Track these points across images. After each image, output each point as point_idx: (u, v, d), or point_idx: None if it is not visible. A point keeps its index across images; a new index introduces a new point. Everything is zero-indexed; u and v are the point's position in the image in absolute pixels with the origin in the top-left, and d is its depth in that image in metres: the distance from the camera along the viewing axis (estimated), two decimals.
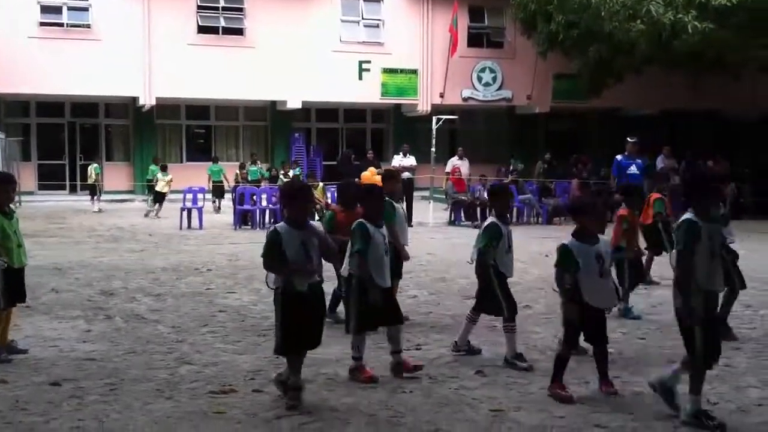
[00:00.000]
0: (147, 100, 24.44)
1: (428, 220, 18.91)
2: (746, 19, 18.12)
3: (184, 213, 17.88)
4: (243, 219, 18.18)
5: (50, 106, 25.59)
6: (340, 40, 25.45)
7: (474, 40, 26.93)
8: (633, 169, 14.42)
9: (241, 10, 24.81)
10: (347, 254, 6.11)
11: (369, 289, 5.96)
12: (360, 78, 25.63)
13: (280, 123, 26.57)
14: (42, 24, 23.75)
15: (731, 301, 7.41)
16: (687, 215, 5.11)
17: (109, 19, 23.95)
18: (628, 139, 15.01)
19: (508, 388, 5.87)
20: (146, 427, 4.96)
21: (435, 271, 11.32)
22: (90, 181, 22.03)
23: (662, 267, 10.46)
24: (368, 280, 5.97)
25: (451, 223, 19.31)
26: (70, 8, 24.13)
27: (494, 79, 26.90)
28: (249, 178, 21.49)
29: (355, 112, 27.67)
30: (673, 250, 5.15)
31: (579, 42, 21.63)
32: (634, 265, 8.48)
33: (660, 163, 21.70)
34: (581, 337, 5.83)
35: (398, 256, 7.24)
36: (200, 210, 18.25)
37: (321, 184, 18.44)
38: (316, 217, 17.89)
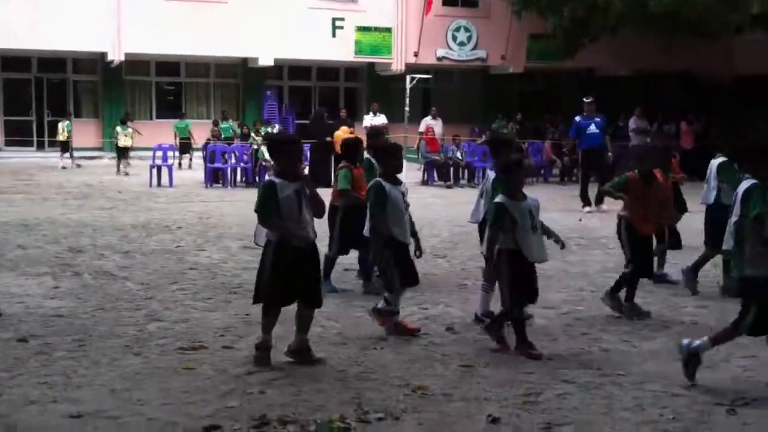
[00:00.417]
0: (116, 56, 23.97)
1: (404, 179, 18.81)
2: None
3: (154, 170, 17.67)
4: (214, 177, 18.02)
5: (17, 61, 25.01)
6: None
7: None
8: (592, 128, 14.48)
9: None
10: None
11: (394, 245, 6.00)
12: (333, 36, 25.32)
13: (251, 80, 26.23)
14: None
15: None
16: (750, 182, 5.04)
17: None
18: (584, 99, 15.00)
19: (477, 344, 5.91)
20: (114, 383, 4.92)
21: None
22: (62, 138, 21.69)
23: None
24: (390, 238, 6.02)
25: (424, 183, 19.29)
26: None
27: (469, 38, 26.71)
28: (222, 136, 21.25)
29: (328, 71, 27.38)
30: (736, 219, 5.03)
31: (554, 1, 21.50)
32: (672, 232, 8.57)
33: (632, 124, 21.78)
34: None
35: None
36: (170, 167, 18.05)
37: None
38: None
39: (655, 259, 7.84)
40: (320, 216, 5.55)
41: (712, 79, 26.96)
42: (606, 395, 4.84)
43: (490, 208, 5.97)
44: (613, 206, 8.86)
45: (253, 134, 19.45)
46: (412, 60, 25.66)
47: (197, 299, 7.19)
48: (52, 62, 25.29)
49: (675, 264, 8.50)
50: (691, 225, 8.95)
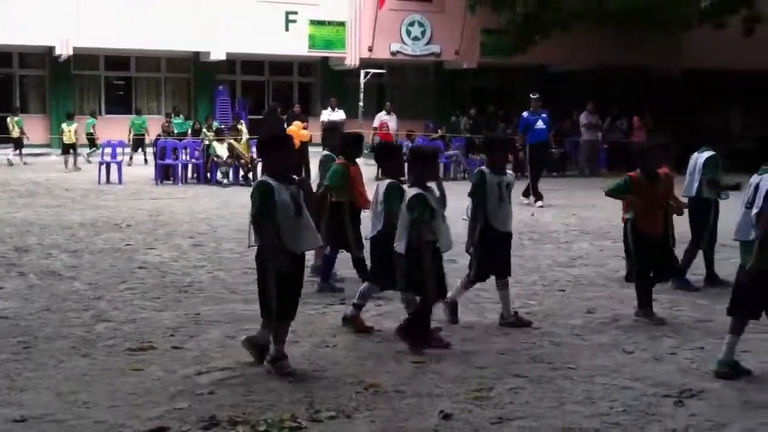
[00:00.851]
0: (64, 50, 23.49)
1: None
2: None
3: (103, 167, 17.36)
4: (164, 174, 17.76)
5: None
6: None
7: None
8: (539, 124, 14.80)
9: None
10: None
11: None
12: (287, 30, 25.14)
13: (203, 75, 25.93)
14: None
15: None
16: None
17: None
18: (531, 95, 15.31)
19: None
20: (60, 386, 4.81)
21: (362, 227, 11.26)
22: (14, 135, 21.23)
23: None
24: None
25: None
26: None
27: (423, 33, 26.74)
28: (175, 131, 20.96)
29: (281, 65, 27.19)
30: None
31: None
32: None
33: (584, 119, 22.06)
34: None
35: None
36: (119, 164, 17.74)
37: (245, 138, 18.10)
38: (241, 173, 17.62)
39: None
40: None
41: (663, 73, 27.43)
42: (557, 389, 4.87)
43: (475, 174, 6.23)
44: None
45: (204, 130, 19.22)
46: (366, 55, 25.61)
47: (146, 299, 7.07)
48: None
49: None
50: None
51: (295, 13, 25.07)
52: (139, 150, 22.30)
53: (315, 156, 16.33)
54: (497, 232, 6.20)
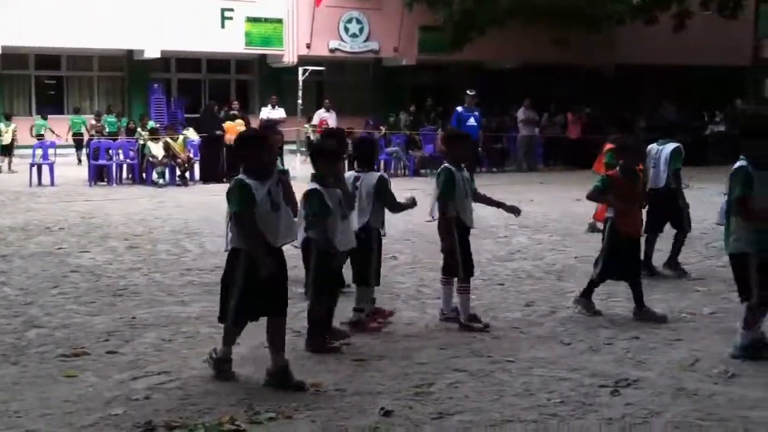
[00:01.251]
0: None
1: (296, 174, 18.70)
2: None
3: (34, 169, 16.90)
4: (98, 175, 17.37)
5: None
6: None
7: None
8: (471, 121, 15.07)
9: None
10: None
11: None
12: (223, 27, 24.82)
13: (137, 73, 25.42)
14: None
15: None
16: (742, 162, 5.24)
17: None
18: (468, 92, 15.53)
19: (372, 338, 5.90)
20: None
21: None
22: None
23: None
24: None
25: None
26: None
27: (361, 30, 26.71)
28: (107, 130, 20.50)
29: (218, 63, 26.84)
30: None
31: None
32: None
33: (521, 114, 22.31)
34: None
35: None
36: (51, 165, 17.26)
37: (181, 137, 17.82)
38: (177, 173, 17.33)
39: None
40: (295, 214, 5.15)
41: (596, 69, 27.94)
42: (496, 382, 4.91)
43: (443, 176, 6.11)
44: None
45: (139, 129, 18.85)
46: (304, 52, 25.46)
47: (80, 303, 6.89)
48: None
49: None
50: None
51: (231, 10, 24.77)
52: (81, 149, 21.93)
53: None
54: (466, 227, 6.20)
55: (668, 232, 8.25)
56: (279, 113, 20.92)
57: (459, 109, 15.42)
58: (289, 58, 25.49)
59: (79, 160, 21.61)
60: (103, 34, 23.04)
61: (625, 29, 24.43)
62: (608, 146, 9.64)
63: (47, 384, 4.87)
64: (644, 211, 6.96)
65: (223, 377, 4.94)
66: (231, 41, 24.91)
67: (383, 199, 6.04)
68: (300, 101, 20.78)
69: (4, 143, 19.70)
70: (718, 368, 5.10)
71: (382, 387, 4.82)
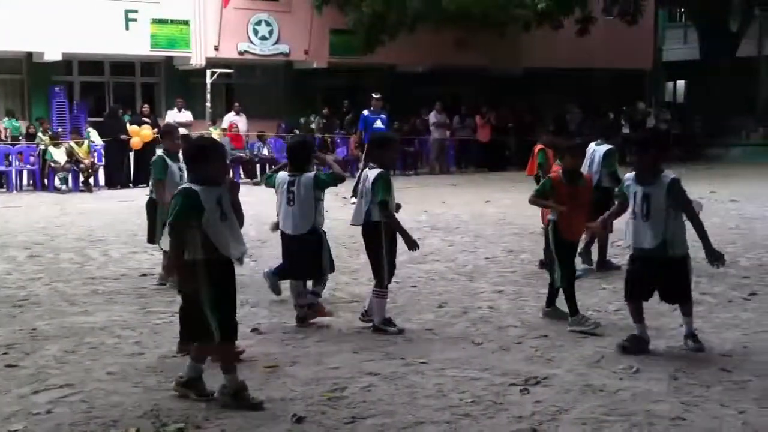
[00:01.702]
0: None
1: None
2: None
3: None
4: None
5: None
6: None
7: None
8: (378, 124, 15.21)
9: None
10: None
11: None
12: (127, 28, 24.13)
13: (37, 76, 24.45)
14: None
15: None
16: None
17: None
18: (373, 95, 15.69)
19: (284, 344, 5.83)
20: None
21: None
22: None
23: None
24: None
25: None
26: None
27: (271, 32, 26.45)
28: (8, 134, 19.66)
29: (122, 65, 26.09)
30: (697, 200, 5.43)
31: None
32: None
33: (432, 118, 22.56)
34: None
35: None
36: None
37: (86, 142, 17.29)
38: (81, 178, 16.80)
39: None
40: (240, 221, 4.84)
41: (504, 73, 28.50)
42: (409, 384, 4.91)
43: (379, 180, 5.96)
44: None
45: (40, 134, 18.17)
46: (212, 54, 25.03)
47: None
48: None
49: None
50: None
51: (135, 11, 24.12)
52: None
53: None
54: (394, 232, 6.14)
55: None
56: (186, 116, 20.54)
57: (365, 112, 15.53)
58: (197, 60, 25.02)
59: None
60: (1, 36, 22.11)
61: (532, 34, 25.00)
62: (539, 147, 9.81)
63: None
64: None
65: (255, 405, 4.54)
66: (136, 43, 24.25)
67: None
68: (208, 104, 20.48)
69: None
70: (623, 364, 5.24)
71: (295, 393, 4.77)
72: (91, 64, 25.45)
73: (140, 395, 4.74)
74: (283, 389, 4.84)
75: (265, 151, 19.54)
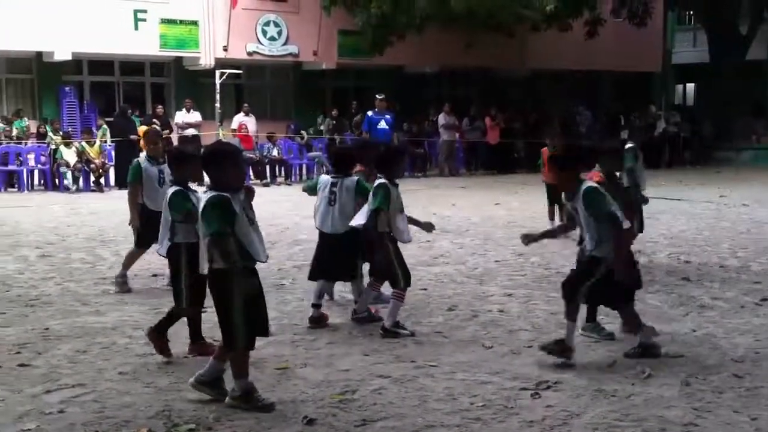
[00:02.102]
0: None
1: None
2: None
3: None
4: (8, 181, 16.74)
5: None
6: None
7: None
8: (382, 124, 15.17)
9: None
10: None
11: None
12: (136, 28, 24.21)
13: (47, 76, 24.56)
14: None
15: None
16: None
17: None
18: (377, 96, 15.64)
19: (294, 345, 5.84)
20: None
21: None
22: None
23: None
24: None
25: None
26: None
27: (279, 33, 26.49)
28: (14, 134, 19.77)
29: (132, 65, 26.17)
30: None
31: None
32: None
33: (441, 119, 22.54)
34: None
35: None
36: None
37: (98, 141, 17.35)
38: (92, 178, 16.86)
39: None
40: None
41: (510, 74, 28.48)
42: (419, 387, 4.92)
43: (380, 190, 6.00)
44: None
45: (51, 133, 18.25)
46: (221, 55, 25.09)
47: None
48: None
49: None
50: None
51: (145, 11, 24.19)
52: None
53: None
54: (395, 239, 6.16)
55: None
56: (195, 117, 20.58)
57: (369, 113, 15.52)
58: (206, 60, 25.09)
59: None
60: (10, 36, 22.20)
61: (539, 35, 24.98)
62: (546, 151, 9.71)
63: None
64: None
65: (265, 406, 4.56)
66: (145, 43, 24.34)
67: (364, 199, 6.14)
68: (218, 105, 20.51)
69: None
70: (634, 369, 5.23)
71: (306, 395, 4.78)
72: (101, 64, 25.53)
73: (152, 395, 4.75)
74: (293, 391, 4.85)
75: (275, 152, 19.56)
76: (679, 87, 37.39)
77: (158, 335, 5.47)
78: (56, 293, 7.44)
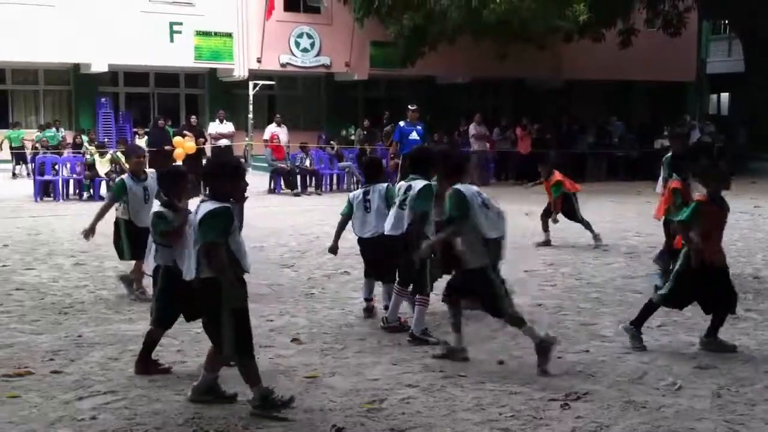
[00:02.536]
0: None
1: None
2: None
3: None
4: (44, 190, 17.02)
5: None
6: (148, 0, 24.24)
7: (290, 5, 26.56)
8: (414, 135, 15.14)
9: None
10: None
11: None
12: (171, 40, 24.56)
13: (84, 87, 25.00)
14: None
15: None
16: None
17: None
18: (409, 107, 15.64)
19: (323, 354, 5.86)
20: None
21: (252, 239, 11.10)
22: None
23: None
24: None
25: (271, 191, 19.07)
26: None
27: (312, 45, 26.71)
28: (49, 144, 20.12)
29: (167, 77, 26.53)
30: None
31: (394, 9, 21.88)
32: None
33: (472, 130, 22.49)
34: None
35: None
36: None
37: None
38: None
39: None
40: None
41: (543, 85, 28.36)
42: (448, 397, 4.91)
43: (427, 191, 6.06)
44: None
45: (86, 144, 18.52)
46: (255, 66, 25.35)
47: (24, 322, 6.72)
48: None
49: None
50: None
51: (180, 23, 24.53)
52: (20, 164, 21.76)
53: None
54: None
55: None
56: (228, 127, 20.79)
57: (401, 123, 15.52)
58: (240, 72, 25.36)
59: (14, 175, 21.62)
60: (49, 48, 22.65)
61: (573, 45, 24.86)
62: (556, 177, 9.66)
63: None
64: None
65: (285, 404, 4.63)
66: (180, 55, 24.67)
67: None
68: (251, 116, 20.69)
69: None
70: (665, 380, 5.17)
71: (334, 404, 4.79)
72: (137, 76, 25.92)
73: (182, 403, 4.80)
74: (322, 399, 4.87)
75: (308, 163, 19.64)
76: (714, 97, 36.95)
77: (144, 361, 5.40)
78: (89, 301, 7.55)
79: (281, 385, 5.12)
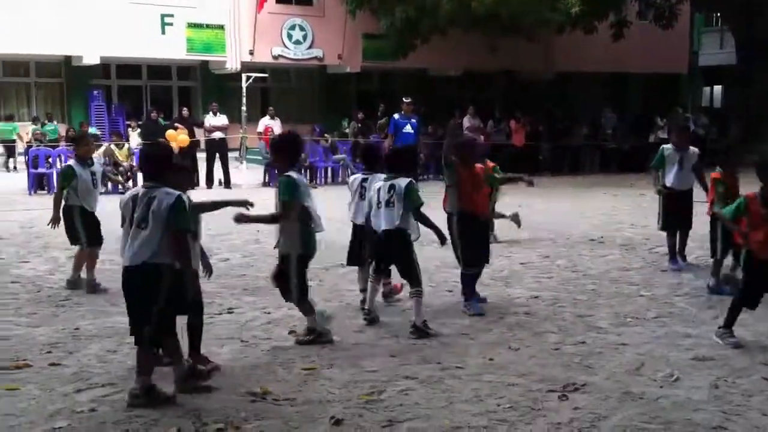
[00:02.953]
0: None
1: (241, 182, 18.64)
2: None
3: None
4: (38, 183, 16.96)
5: None
6: None
7: None
8: (408, 128, 15.09)
9: None
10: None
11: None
12: (163, 32, 24.48)
13: (76, 80, 24.91)
14: None
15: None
16: None
17: None
18: (404, 99, 15.59)
19: (321, 346, 5.86)
20: None
21: (247, 233, 11.11)
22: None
23: None
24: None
25: (266, 184, 19.04)
26: None
27: (305, 37, 26.66)
28: (49, 138, 20.05)
29: (159, 69, 26.46)
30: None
31: (386, 2, 21.85)
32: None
33: (466, 122, 22.50)
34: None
35: None
36: None
37: (126, 144, 17.52)
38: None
39: None
40: None
41: (535, 77, 28.37)
42: (446, 388, 4.93)
43: (412, 188, 6.18)
44: None
45: None
46: (247, 58, 25.30)
47: (20, 315, 6.71)
48: None
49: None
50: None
51: (171, 15, 24.44)
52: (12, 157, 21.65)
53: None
54: None
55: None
56: (221, 120, 20.70)
57: (395, 116, 15.48)
58: (232, 64, 25.30)
59: (7, 168, 21.52)
60: (40, 40, 22.53)
61: (564, 38, 24.88)
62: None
63: None
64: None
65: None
66: (172, 47, 24.60)
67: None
68: (244, 108, 20.64)
69: None
70: (663, 372, 5.20)
71: (332, 395, 4.80)
72: (129, 68, 25.84)
73: (180, 395, 4.80)
74: (320, 391, 4.88)
75: (302, 156, 19.62)
76: (707, 89, 37.04)
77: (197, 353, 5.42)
78: (86, 293, 7.53)
79: (279, 376, 5.14)
